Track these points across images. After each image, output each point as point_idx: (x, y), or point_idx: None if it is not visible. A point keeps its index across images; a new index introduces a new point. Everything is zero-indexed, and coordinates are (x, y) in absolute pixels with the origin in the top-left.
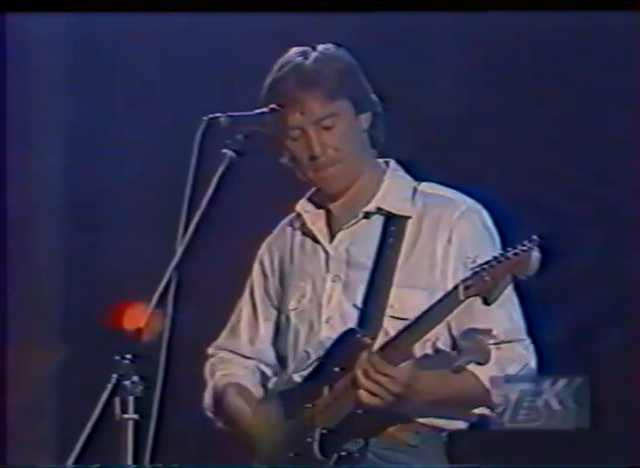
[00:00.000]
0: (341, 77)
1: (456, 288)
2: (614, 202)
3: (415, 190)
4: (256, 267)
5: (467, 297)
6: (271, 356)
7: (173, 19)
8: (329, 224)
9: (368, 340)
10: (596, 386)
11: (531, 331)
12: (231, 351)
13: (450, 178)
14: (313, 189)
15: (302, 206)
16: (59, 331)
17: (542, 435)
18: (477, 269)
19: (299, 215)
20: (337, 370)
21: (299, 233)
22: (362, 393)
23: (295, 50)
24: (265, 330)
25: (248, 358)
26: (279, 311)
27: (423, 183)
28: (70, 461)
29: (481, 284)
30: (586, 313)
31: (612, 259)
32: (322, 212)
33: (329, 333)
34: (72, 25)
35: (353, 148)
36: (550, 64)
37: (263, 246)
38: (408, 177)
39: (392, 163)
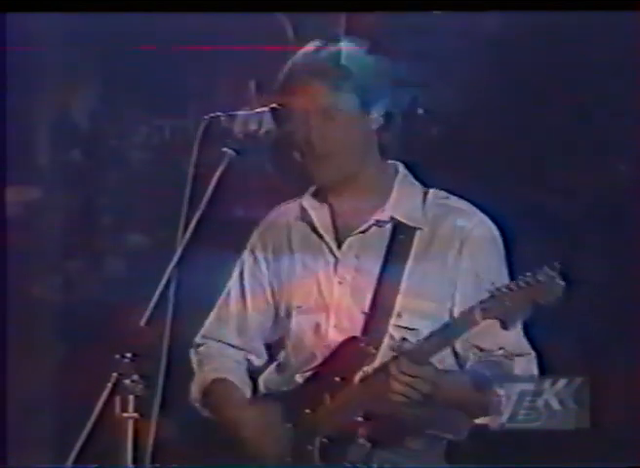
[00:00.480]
0: (353, 72)
1: (472, 309)
2: (614, 208)
3: (425, 198)
4: (247, 257)
5: (484, 319)
6: (261, 347)
7: (173, 18)
8: (335, 227)
9: (372, 350)
10: (596, 386)
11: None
12: (220, 341)
13: (446, 183)
14: (313, 188)
15: (309, 201)
16: (59, 331)
17: (542, 435)
18: (496, 293)
19: (303, 210)
20: (338, 379)
21: (300, 225)
22: (393, 395)
23: (313, 43)
24: (255, 321)
25: (237, 349)
26: (275, 305)
27: (432, 191)
28: (70, 461)
29: (500, 308)
30: (587, 313)
31: (612, 263)
32: (327, 212)
33: (337, 338)
34: (72, 25)
35: (354, 144)
36: (550, 64)
37: (255, 236)
38: (417, 184)
39: (401, 167)
